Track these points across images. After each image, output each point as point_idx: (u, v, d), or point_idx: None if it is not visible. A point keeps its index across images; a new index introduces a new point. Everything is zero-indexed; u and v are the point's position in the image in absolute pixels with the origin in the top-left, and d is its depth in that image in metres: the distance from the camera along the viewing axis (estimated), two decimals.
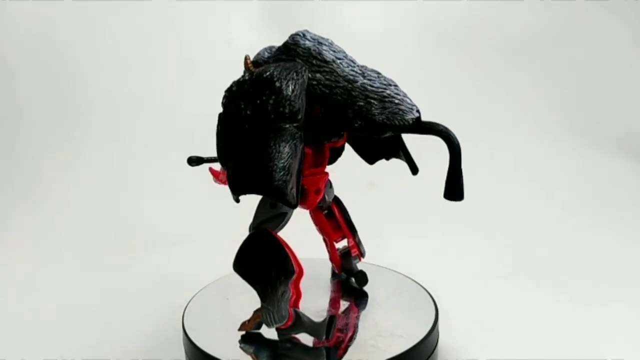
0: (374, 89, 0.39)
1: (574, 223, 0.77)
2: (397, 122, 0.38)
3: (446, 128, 0.38)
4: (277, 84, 0.38)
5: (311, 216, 0.53)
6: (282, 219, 0.44)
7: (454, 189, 0.38)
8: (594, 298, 0.58)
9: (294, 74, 0.39)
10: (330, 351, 0.43)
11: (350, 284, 0.54)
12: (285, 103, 0.38)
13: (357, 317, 0.48)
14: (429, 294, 0.51)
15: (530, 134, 0.99)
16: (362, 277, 0.53)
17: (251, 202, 0.46)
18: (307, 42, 0.41)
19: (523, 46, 1.05)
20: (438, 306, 0.49)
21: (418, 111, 0.39)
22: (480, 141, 0.93)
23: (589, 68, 1.05)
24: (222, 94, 0.44)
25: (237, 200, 0.39)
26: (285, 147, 0.37)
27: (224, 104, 0.40)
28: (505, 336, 0.52)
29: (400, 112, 0.38)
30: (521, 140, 0.98)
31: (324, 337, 0.43)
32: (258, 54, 0.44)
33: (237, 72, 0.45)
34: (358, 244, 0.53)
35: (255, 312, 0.44)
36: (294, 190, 0.37)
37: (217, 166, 0.49)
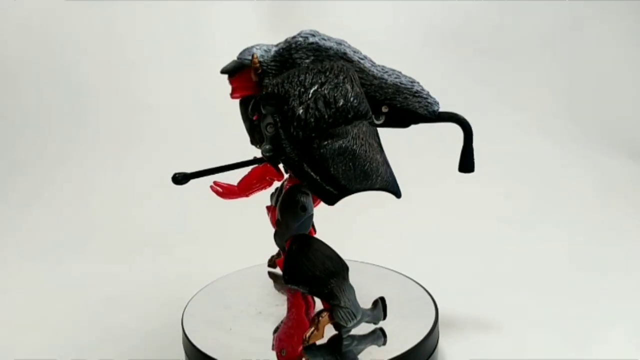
0: (405, 85, 0.43)
1: (575, 224, 0.77)
2: (429, 113, 0.44)
3: (460, 115, 0.45)
4: (349, 84, 0.38)
5: (269, 216, 0.51)
6: (310, 221, 0.43)
7: (467, 163, 0.46)
8: (595, 298, 0.58)
9: (352, 73, 0.40)
10: (383, 330, 0.44)
11: None
12: (361, 101, 0.39)
13: None
14: (429, 294, 0.51)
15: (531, 134, 0.99)
16: None
17: (251, 203, 0.46)
18: (325, 42, 0.42)
19: (524, 46, 1.05)
20: (438, 306, 0.49)
21: (438, 103, 0.45)
22: (481, 141, 0.93)
23: (592, 68, 1.05)
24: (223, 94, 0.44)
25: (332, 204, 0.38)
26: (373, 141, 0.38)
27: (281, 107, 0.38)
28: (505, 336, 0.52)
29: (430, 105, 0.44)
30: (521, 140, 0.98)
31: (382, 319, 0.44)
32: (250, 52, 0.43)
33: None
34: None
35: (320, 317, 0.42)
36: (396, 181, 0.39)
37: (214, 178, 0.45)
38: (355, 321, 0.42)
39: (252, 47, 0.43)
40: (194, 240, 0.76)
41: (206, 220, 0.79)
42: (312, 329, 0.41)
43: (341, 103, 0.38)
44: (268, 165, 0.42)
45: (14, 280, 0.68)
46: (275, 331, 0.46)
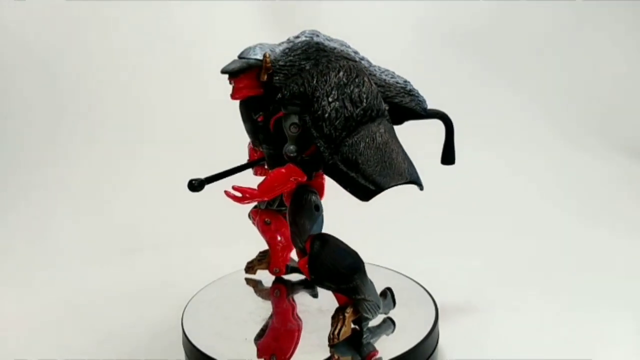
0: (400, 85, 0.45)
1: (576, 224, 0.76)
2: (422, 110, 0.47)
3: (443, 111, 0.48)
4: (369, 83, 0.40)
5: (256, 220, 0.52)
6: (322, 219, 0.44)
7: (449, 156, 0.49)
8: (595, 299, 0.58)
9: (367, 72, 0.41)
10: (392, 319, 0.46)
11: (288, 284, 0.54)
12: (381, 99, 0.40)
13: None
14: (429, 294, 0.51)
15: (536, 135, 0.99)
16: None
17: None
18: (329, 42, 0.42)
19: (532, 47, 1.05)
20: (438, 306, 0.49)
21: (426, 101, 0.48)
22: (484, 141, 0.93)
23: (600, 69, 1.05)
24: (224, 95, 0.44)
25: (367, 200, 0.40)
26: (393, 137, 0.41)
27: (309, 107, 0.39)
28: (505, 336, 0.52)
29: (421, 103, 0.47)
30: (527, 141, 0.98)
31: (392, 309, 0.46)
32: (254, 52, 0.42)
33: None
34: None
35: (345, 313, 0.42)
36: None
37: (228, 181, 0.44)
38: (378, 312, 0.43)
39: (255, 46, 0.43)
40: (194, 240, 0.76)
41: (206, 220, 0.79)
42: (339, 325, 0.42)
43: (365, 102, 0.39)
44: (291, 166, 0.41)
45: (12, 281, 0.68)
46: (257, 338, 0.46)
